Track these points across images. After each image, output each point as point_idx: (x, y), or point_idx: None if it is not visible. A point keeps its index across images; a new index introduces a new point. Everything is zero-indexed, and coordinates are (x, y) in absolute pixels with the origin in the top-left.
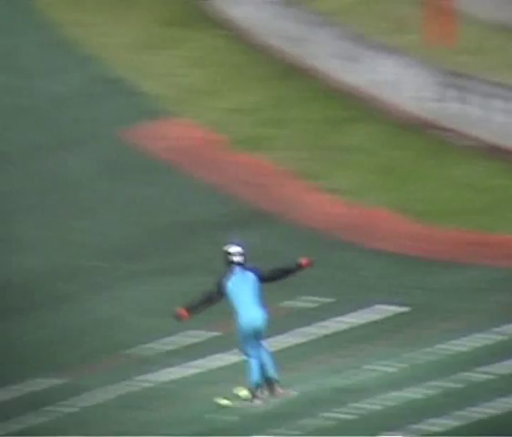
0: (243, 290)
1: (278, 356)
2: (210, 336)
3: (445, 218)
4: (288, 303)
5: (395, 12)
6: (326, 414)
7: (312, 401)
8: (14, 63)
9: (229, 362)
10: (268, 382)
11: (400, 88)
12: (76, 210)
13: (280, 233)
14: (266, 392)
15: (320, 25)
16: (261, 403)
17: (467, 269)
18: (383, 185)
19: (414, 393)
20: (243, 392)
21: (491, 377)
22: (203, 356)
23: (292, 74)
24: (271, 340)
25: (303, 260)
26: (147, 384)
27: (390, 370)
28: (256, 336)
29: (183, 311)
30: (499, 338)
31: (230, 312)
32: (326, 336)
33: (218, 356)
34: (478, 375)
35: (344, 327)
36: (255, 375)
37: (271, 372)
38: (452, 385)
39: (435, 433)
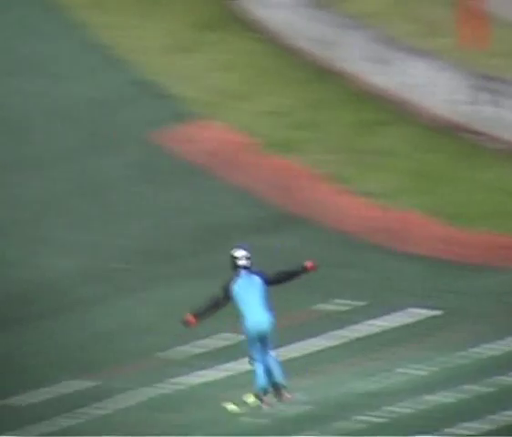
0: (249, 294)
1: (310, 359)
2: (241, 339)
3: (477, 221)
4: (320, 306)
5: (428, 14)
6: (359, 417)
7: (344, 404)
8: (46, 67)
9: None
10: (275, 388)
11: (432, 91)
12: (108, 213)
13: (312, 236)
14: (273, 398)
15: (352, 28)
16: (269, 409)
17: (499, 272)
18: (415, 188)
19: (447, 397)
20: (251, 399)
21: None
22: (235, 359)
23: (324, 77)
24: (303, 343)
25: (308, 263)
26: (178, 387)
27: (422, 373)
28: (262, 340)
29: (191, 318)
30: None
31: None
32: (358, 339)
33: (246, 359)
34: (511, 379)
35: (377, 330)
36: (261, 380)
37: (279, 378)
38: (484, 389)
39: None
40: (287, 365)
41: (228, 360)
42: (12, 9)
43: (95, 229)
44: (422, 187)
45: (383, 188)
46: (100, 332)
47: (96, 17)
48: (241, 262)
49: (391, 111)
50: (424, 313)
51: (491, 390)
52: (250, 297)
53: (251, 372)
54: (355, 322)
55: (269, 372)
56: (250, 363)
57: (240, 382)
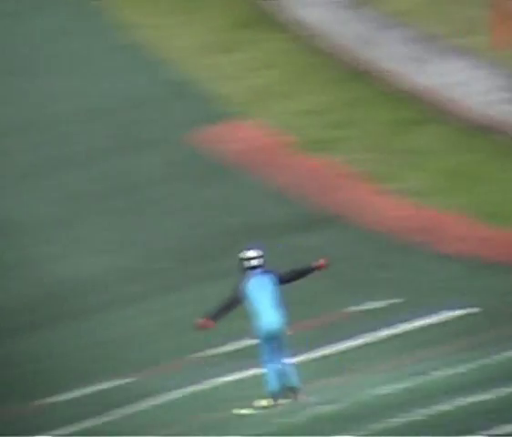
0: (262, 294)
1: (345, 359)
2: None
3: None
4: (358, 307)
5: (464, 13)
6: (394, 418)
7: (379, 404)
8: (83, 66)
9: (296, 362)
10: (290, 391)
11: (468, 91)
12: (143, 213)
13: (347, 236)
14: (286, 400)
15: (388, 27)
16: (303, 409)
17: None
18: (451, 187)
19: (485, 397)
20: (263, 403)
21: None
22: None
23: (361, 76)
24: (340, 343)
25: (321, 262)
26: (213, 386)
27: (460, 372)
28: (275, 341)
29: (206, 321)
30: None
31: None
32: (395, 339)
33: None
34: None
35: (414, 330)
36: (271, 384)
37: (293, 381)
38: None
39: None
40: (322, 365)
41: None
42: (47, 9)
43: (129, 229)
44: (457, 186)
45: (418, 188)
46: (136, 332)
47: (132, 17)
48: (254, 262)
49: (427, 110)
50: (460, 313)
51: None
52: (263, 297)
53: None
54: (391, 322)
55: (283, 375)
56: (263, 367)
57: None
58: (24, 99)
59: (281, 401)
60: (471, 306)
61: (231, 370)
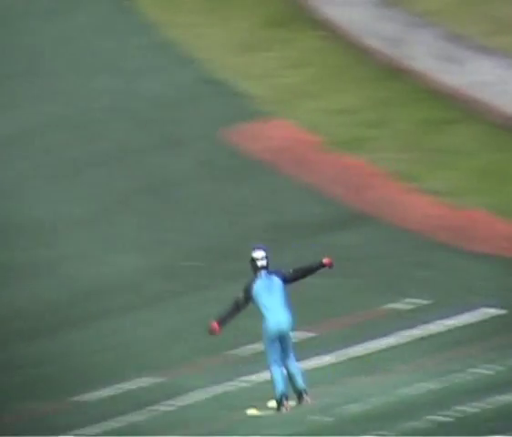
0: (269, 294)
1: (379, 358)
2: (308, 337)
3: None
4: (389, 306)
5: (495, 13)
6: (428, 417)
7: (413, 403)
8: (116, 64)
9: (324, 364)
10: (297, 393)
11: (501, 90)
12: (177, 211)
13: (378, 235)
14: (293, 402)
15: (420, 26)
16: (336, 408)
17: None
18: (482, 187)
19: None
20: (271, 404)
21: None
22: (300, 357)
23: (391, 75)
24: (373, 342)
25: (325, 260)
26: (245, 384)
27: (489, 372)
28: (282, 342)
29: (215, 325)
30: None
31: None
32: (427, 339)
33: (314, 357)
34: None
35: (444, 329)
36: (279, 386)
37: (300, 383)
38: None
39: None
40: (353, 364)
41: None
42: (83, 7)
43: (163, 227)
44: (489, 185)
45: (450, 187)
46: (168, 329)
47: (166, 16)
48: (260, 263)
49: (459, 109)
50: (491, 312)
51: None
52: (270, 297)
53: (316, 370)
54: (423, 321)
55: (290, 377)
56: (268, 369)
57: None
58: (56, 98)
59: (289, 403)
60: (501, 305)
61: (259, 370)
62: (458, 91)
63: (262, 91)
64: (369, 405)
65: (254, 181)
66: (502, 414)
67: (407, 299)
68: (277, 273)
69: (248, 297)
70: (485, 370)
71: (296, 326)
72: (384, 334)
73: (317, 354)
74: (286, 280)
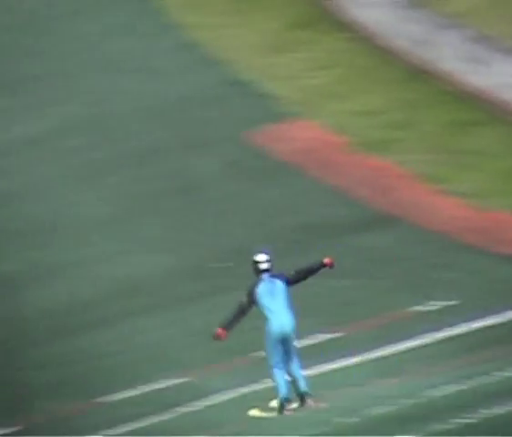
0: (272, 296)
1: (405, 360)
2: (334, 338)
3: None
4: (415, 307)
5: None
6: (453, 419)
7: (439, 405)
8: (142, 65)
9: (351, 365)
10: (300, 396)
11: None
12: (202, 212)
13: (404, 237)
14: (296, 405)
15: (446, 28)
16: (361, 409)
17: None
18: (508, 188)
19: None
20: (273, 404)
21: None
22: (327, 359)
23: (418, 76)
24: (399, 344)
25: (326, 260)
26: (270, 385)
27: None
28: (285, 344)
29: (221, 331)
30: None
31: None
32: (453, 341)
33: (341, 358)
34: None
35: (470, 331)
36: (282, 388)
37: (303, 386)
38: None
39: None
40: (382, 365)
41: (319, 360)
42: (108, 8)
43: (190, 228)
44: None
45: (476, 189)
46: (195, 330)
47: (191, 17)
48: (263, 266)
49: (486, 111)
50: None
51: None
52: (273, 299)
53: (340, 370)
54: (449, 323)
55: (293, 380)
56: (271, 371)
57: (333, 382)
58: (82, 99)
59: (292, 405)
60: None
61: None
62: (485, 93)
63: (289, 92)
64: (396, 407)
65: (280, 183)
66: None
67: (433, 301)
68: (280, 276)
69: (251, 300)
70: (511, 373)
71: (322, 328)
72: (411, 336)
73: (344, 356)
74: (289, 283)
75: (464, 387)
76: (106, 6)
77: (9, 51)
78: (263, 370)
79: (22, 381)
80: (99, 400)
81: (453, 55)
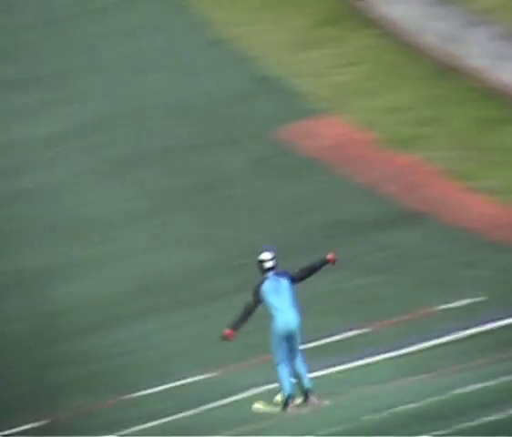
0: (278, 294)
1: (431, 357)
2: (362, 335)
3: None
4: (443, 305)
5: None
6: (481, 418)
7: (467, 403)
8: (170, 62)
9: (378, 362)
10: (303, 392)
11: None
12: (229, 208)
13: (432, 233)
14: (299, 401)
15: (474, 24)
16: (389, 407)
17: None
18: None
19: None
20: (278, 398)
21: None
22: (354, 356)
23: (446, 73)
24: (427, 341)
25: (329, 256)
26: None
27: None
28: (290, 341)
29: (229, 332)
30: None
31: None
32: (481, 338)
33: (369, 355)
34: None
35: (498, 328)
36: (286, 384)
37: (307, 383)
38: None
39: None
40: (410, 362)
41: (348, 356)
42: (138, 5)
43: (218, 224)
44: None
45: (504, 185)
46: (223, 326)
47: (221, 13)
48: (268, 264)
49: None
50: None
51: None
52: (278, 297)
53: (368, 366)
54: (476, 320)
55: (297, 376)
56: (276, 368)
57: (366, 378)
58: (111, 95)
59: (295, 401)
60: None
61: (312, 368)
62: None
63: (317, 89)
64: (423, 405)
65: (308, 179)
66: None
67: (461, 298)
68: (284, 274)
69: (257, 299)
70: None
71: (349, 325)
72: (438, 333)
73: (371, 353)
74: (293, 280)
75: (491, 385)
76: (134, 3)
77: (36, 48)
78: None
79: (50, 376)
80: (127, 396)
81: (481, 52)
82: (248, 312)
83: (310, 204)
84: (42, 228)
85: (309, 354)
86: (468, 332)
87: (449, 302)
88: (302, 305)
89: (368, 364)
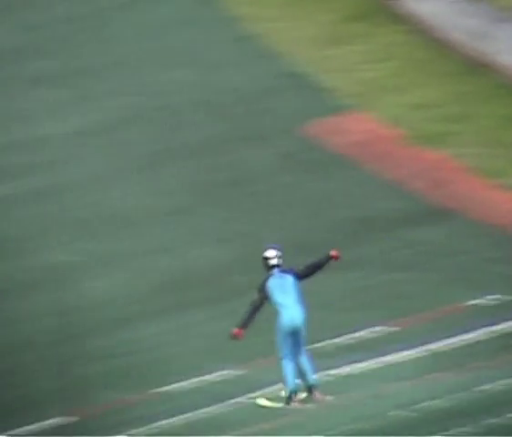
0: (283, 291)
1: (461, 354)
2: (390, 332)
3: None
4: (471, 301)
5: None
6: (510, 415)
7: (495, 400)
8: (198, 57)
9: (406, 359)
10: (308, 388)
11: None
12: (257, 204)
13: (460, 230)
14: (304, 397)
15: (503, 21)
16: (419, 403)
17: None
18: None
19: None
20: (281, 393)
21: None
22: (382, 352)
23: (474, 69)
24: (454, 338)
25: (333, 252)
26: (327, 378)
27: None
28: (295, 337)
29: (237, 331)
30: None
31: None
32: (509, 334)
33: (397, 352)
34: None
35: None
36: (290, 379)
37: (311, 378)
38: None
39: None
40: (438, 359)
41: (375, 353)
42: (166, 0)
43: (245, 220)
44: None
45: None
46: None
47: (248, 9)
48: (273, 262)
49: None
50: None
51: None
52: (284, 294)
53: (399, 364)
54: (504, 317)
55: (301, 372)
56: (280, 363)
57: (388, 375)
58: (138, 90)
59: (299, 396)
60: None
61: (341, 364)
62: None
63: (344, 85)
64: (451, 401)
65: (335, 175)
66: None
67: (489, 295)
68: (289, 271)
69: (263, 296)
70: None
71: (378, 321)
72: (466, 330)
73: (399, 349)
74: (298, 277)
75: None
76: None
77: (67, 43)
78: (321, 363)
79: (79, 371)
80: (154, 391)
81: (509, 49)
82: (255, 310)
83: (337, 200)
84: (73, 223)
85: (336, 351)
86: (495, 329)
87: (477, 299)
88: (331, 302)
89: (397, 361)
